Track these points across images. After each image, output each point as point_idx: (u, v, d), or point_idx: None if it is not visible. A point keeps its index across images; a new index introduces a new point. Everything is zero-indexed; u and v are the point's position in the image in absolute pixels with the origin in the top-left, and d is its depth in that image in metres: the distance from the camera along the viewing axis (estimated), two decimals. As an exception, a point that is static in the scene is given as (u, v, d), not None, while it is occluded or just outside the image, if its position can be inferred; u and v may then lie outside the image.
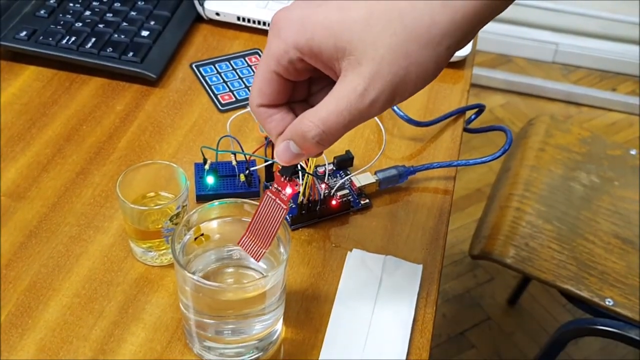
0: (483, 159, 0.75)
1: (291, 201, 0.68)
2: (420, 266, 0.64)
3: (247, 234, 0.53)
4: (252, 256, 0.53)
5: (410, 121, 0.78)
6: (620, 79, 2.26)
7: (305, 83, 0.51)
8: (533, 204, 1.17)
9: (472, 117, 0.83)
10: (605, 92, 2.20)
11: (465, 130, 0.82)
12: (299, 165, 0.65)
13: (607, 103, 2.18)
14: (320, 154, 0.51)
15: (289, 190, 0.53)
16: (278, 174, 0.53)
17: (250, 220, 0.54)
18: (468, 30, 0.45)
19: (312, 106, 0.47)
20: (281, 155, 0.49)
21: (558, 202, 1.19)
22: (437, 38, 0.44)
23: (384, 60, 0.44)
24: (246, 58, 0.88)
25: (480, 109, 0.82)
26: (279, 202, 0.53)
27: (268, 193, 0.53)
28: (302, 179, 0.65)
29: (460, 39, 0.45)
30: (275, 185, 0.53)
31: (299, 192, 0.66)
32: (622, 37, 2.21)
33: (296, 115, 0.49)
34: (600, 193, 1.22)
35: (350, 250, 0.65)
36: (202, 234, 0.56)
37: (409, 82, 0.45)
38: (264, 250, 0.53)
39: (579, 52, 2.25)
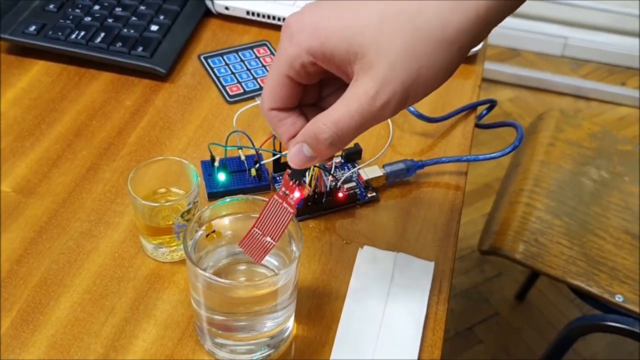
0: (493, 154, 0.74)
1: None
2: (432, 263, 0.64)
3: (249, 235, 0.53)
4: (252, 258, 0.53)
5: (421, 117, 0.78)
6: (630, 73, 2.24)
7: (316, 87, 0.51)
8: (543, 199, 1.17)
9: (484, 112, 0.82)
10: (615, 86, 2.19)
11: (477, 125, 0.82)
12: None
13: (616, 97, 2.17)
14: (332, 158, 0.50)
15: (297, 194, 0.52)
16: (287, 177, 0.53)
17: (254, 222, 0.53)
18: (480, 30, 0.45)
19: (323, 109, 0.48)
20: (294, 159, 0.49)
21: (568, 197, 1.18)
22: (448, 39, 0.44)
23: (396, 63, 0.44)
24: (254, 50, 0.88)
25: (491, 104, 0.82)
26: (286, 205, 0.52)
27: (275, 197, 0.53)
28: (309, 171, 0.65)
29: (472, 39, 0.45)
30: (283, 189, 0.53)
31: (307, 182, 0.66)
32: (632, 31, 2.19)
33: (307, 119, 0.50)
34: (610, 189, 1.21)
35: (362, 247, 0.65)
36: (214, 231, 0.56)
37: (421, 84, 0.45)
38: (264, 254, 0.52)
39: (588, 46, 2.24)
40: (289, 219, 0.52)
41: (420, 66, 0.44)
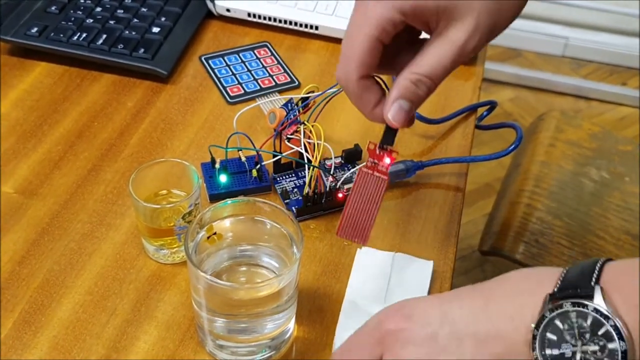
0: (492, 155, 0.74)
1: (297, 193, 0.69)
2: (431, 262, 0.64)
3: (344, 220, 0.54)
4: (357, 241, 0.54)
5: (421, 119, 0.78)
6: (631, 73, 2.24)
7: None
8: (543, 200, 1.17)
9: (484, 113, 0.82)
10: (615, 86, 2.19)
11: (477, 127, 0.82)
12: (305, 158, 0.65)
13: (617, 97, 2.17)
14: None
15: (387, 160, 0.54)
16: (371, 148, 0.55)
17: (345, 206, 0.54)
18: None
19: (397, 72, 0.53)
20: (396, 117, 0.52)
21: (568, 198, 1.18)
22: None
23: (482, 13, 0.49)
24: (255, 51, 0.88)
25: (492, 105, 0.82)
26: (377, 174, 0.54)
27: (363, 169, 0.54)
28: (308, 171, 0.65)
29: None
30: (371, 160, 0.54)
31: (306, 182, 0.66)
32: (633, 32, 2.19)
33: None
34: (611, 189, 1.21)
35: (360, 248, 0.65)
36: (215, 233, 0.56)
37: (500, 25, 0.51)
38: (368, 232, 0.53)
39: (589, 46, 2.24)
40: (383, 187, 0.54)
41: (500, 10, 0.50)
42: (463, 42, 0.50)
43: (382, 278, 0.63)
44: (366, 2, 0.51)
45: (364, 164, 0.55)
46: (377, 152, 0.55)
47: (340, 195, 0.68)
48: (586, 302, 0.41)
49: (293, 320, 0.58)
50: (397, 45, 0.54)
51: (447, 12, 0.49)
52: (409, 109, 0.52)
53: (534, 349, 0.42)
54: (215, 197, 0.68)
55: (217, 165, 0.68)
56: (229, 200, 0.56)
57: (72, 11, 0.87)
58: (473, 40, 0.50)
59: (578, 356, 0.41)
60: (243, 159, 0.70)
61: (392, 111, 0.52)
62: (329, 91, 0.68)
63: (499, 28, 0.51)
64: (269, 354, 0.57)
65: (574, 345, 0.42)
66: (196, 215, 0.60)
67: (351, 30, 0.52)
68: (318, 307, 0.61)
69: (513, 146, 0.73)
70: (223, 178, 0.69)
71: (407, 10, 0.50)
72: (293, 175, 0.71)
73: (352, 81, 0.53)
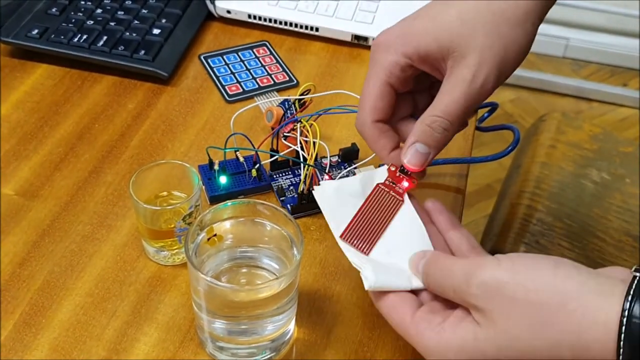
0: (490, 156, 0.74)
1: (293, 190, 0.69)
2: (385, 167, 0.59)
3: (351, 225, 0.54)
4: (358, 249, 0.53)
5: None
6: (631, 74, 2.24)
7: (408, 99, 0.58)
8: (544, 201, 1.17)
9: (485, 115, 0.82)
10: (616, 87, 2.19)
11: (477, 128, 0.82)
12: (301, 156, 0.66)
13: (617, 98, 2.17)
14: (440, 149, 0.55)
15: (405, 184, 0.56)
16: (393, 170, 0.56)
17: (355, 213, 0.55)
18: (547, 5, 0.53)
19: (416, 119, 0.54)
20: (413, 160, 0.54)
21: (569, 199, 1.18)
22: (522, 17, 0.52)
23: (485, 47, 0.51)
24: (254, 50, 0.88)
25: (493, 107, 0.82)
26: (394, 194, 0.55)
27: (380, 186, 0.55)
28: (303, 170, 0.66)
29: (541, 14, 0.53)
30: (390, 180, 0.55)
31: (301, 180, 0.66)
32: (634, 33, 2.19)
33: (400, 132, 0.57)
34: (612, 190, 1.21)
35: (315, 185, 0.58)
36: (215, 235, 0.56)
37: (509, 59, 0.52)
38: (372, 245, 0.53)
39: (589, 47, 2.24)
40: (397, 208, 0.54)
41: (505, 44, 0.51)
42: (471, 77, 0.51)
43: (357, 200, 0.57)
44: (376, 52, 0.55)
45: (385, 179, 0.56)
46: (397, 174, 0.56)
47: None
48: None
49: (293, 321, 0.58)
50: (420, 100, 0.58)
51: (451, 52, 0.51)
52: (425, 152, 0.54)
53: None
54: (215, 199, 0.68)
55: (216, 167, 0.68)
56: (229, 202, 0.56)
57: (72, 13, 0.87)
58: (481, 75, 0.51)
59: None
60: (241, 159, 0.70)
61: (409, 154, 0.54)
62: (327, 93, 0.68)
63: (509, 63, 0.52)
64: (269, 356, 0.57)
65: None
66: (196, 217, 0.60)
67: (365, 80, 0.55)
68: (318, 308, 0.61)
69: (510, 147, 0.73)
70: (223, 179, 0.69)
71: (410, 53, 0.53)
72: (289, 172, 0.71)
73: (367, 125, 0.55)
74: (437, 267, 0.50)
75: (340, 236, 0.54)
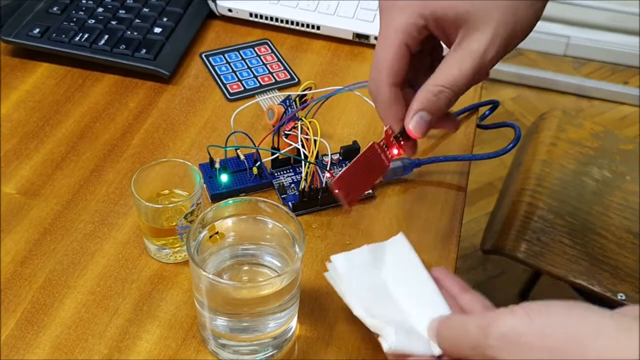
0: (490, 154, 0.74)
1: (294, 188, 0.69)
2: (400, 234, 0.61)
3: (344, 174, 0.55)
4: (344, 201, 0.54)
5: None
6: (632, 72, 2.24)
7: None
8: (545, 198, 1.17)
9: (486, 113, 0.82)
10: (617, 85, 2.19)
11: (478, 126, 0.82)
12: (302, 154, 0.66)
13: (618, 96, 2.17)
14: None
15: (395, 151, 0.55)
16: (390, 132, 0.56)
17: (350, 164, 0.56)
18: None
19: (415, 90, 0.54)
20: (417, 128, 0.54)
21: (570, 197, 1.18)
22: None
23: (500, 22, 0.51)
24: (255, 48, 0.88)
25: (494, 105, 0.82)
26: (382, 157, 0.55)
27: (375, 146, 0.55)
28: (304, 168, 0.66)
29: None
30: (384, 142, 0.55)
31: (302, 178, 0.67)
32: (634, 30, 2.19)
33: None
34: (612, 188, 1.21)
35: (329, 261, 0.59)
36: (217, 232, 0.56)
37: (517, 36, 0.52)
38: (355, 199, 0.54)
39: (590, 45, 2.24)
40: (381, 171, 0.55)
41: (518, 21, 0.51)
42: (482, 51, 0.51)
43: (373, 270, 0.58)
44: (390, 13, 0.53)
45: (380, 140, 0.56)
46: (392, 139, 0.56)
47: (336, 191, 0.68)
48: None
49: (295, 319, 0.58)
50: (419, 64, 0.56)
51: (466, 21, 0.51)
52: (429, 120, 0.53)
53: None
54: (216, 197, 0.69)
55: (217, 165, 0.68)
56: (230, 200, 0.56)
57: (74, 12, 0.87)
58: (491, 50, 0.51)
59: None
60: (242, 157, 0.70)
61: (413, 122, 0.53)
62: (328, 89, 0.68)
63: (516, 39, 0.52)
64: (271, 353, 0.57)
65: None
66: (198, 214, 0.60)
67: (379, 42, 0.54)
68: (320, 305, 0.61)
69: (511, 145, 0.73)
70: (224, 177, 0.69)
71: (427, 15, 0.52)
72: (291, 170, 0.71)
73: (383, 89, 0.54)
74: (450, 326, 0.50)
75: (332, 181, 0.55)
